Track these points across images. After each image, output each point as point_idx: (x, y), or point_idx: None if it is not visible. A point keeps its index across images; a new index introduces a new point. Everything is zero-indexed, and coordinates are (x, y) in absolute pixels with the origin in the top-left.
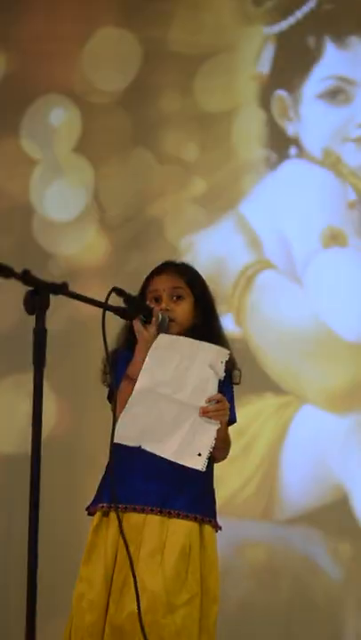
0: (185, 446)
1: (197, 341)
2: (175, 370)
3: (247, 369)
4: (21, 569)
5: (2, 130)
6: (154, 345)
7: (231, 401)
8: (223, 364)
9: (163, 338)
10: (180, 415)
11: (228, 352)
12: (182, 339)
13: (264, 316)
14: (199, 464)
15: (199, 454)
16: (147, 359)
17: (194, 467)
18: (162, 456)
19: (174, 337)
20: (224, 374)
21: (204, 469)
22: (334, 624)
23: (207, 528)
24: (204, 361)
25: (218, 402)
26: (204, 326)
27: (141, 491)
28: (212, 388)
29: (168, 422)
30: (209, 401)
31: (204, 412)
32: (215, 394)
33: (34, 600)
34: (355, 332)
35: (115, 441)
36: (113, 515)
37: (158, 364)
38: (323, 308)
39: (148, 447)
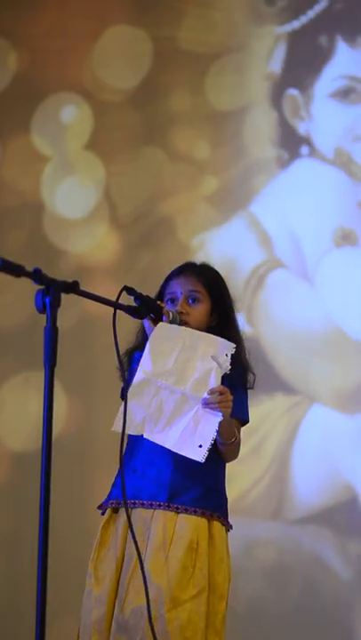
0: (186, 437)
1: (199, 332)
2: (176, 360)
3: (258, 369)
4: (32, 566)
5: (13, 127)
6: (152, 334)
7: (244, 402)
8: (229, 356)
9: (162, 328)
10: (182, 406)
11: (235, 345)
12: (182, 328)
13: (275, 316)
14: (199, 455)
15: (200, 445)
16: (146, 349)
17: (194, 457)
18: (162, 445)
19: (175, 327)
20: (229, 367)
21: (203, 461)
22: (344, 624)
23: (216, 524)
24: (207, 352)
25: (221, 394)
26: (220, 330)
27: (150, 487)
28: (215, 380)
29: (169, 412)
30: (212, 393)
31: (207, 403)
32: (218, 385)
33: (44, 597)
34: None
35: (113, 429)
36: (122, 511)
37: (158, 354)
38: (333, 307)
39: (150, 436)
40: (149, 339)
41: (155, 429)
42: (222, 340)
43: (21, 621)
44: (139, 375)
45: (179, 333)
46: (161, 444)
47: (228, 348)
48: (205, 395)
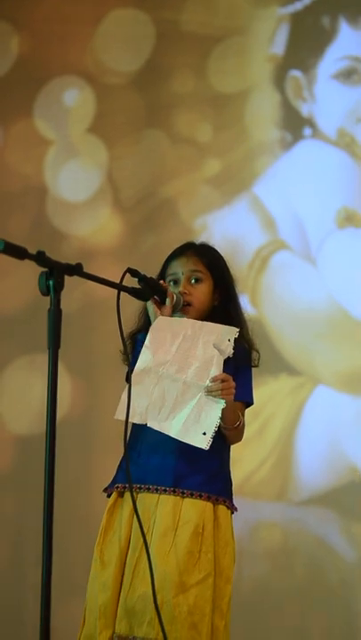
0: (190, 425)
1: (199, 322)
2: (176, 351)
3: (262, 350)
4: (36, 550)
5: (16, 111)
6: (152, 327)
7: (248, 382)
8: (231, 341)
9: (161, 321)
10: (185, 394)
11: (238, 330)
12: (183, 320)
13: (279, 297)
14: (204, 443)
15: (204, 433)
16: (146, 341)
17: (198, 445)
18: (167, 434)
19: (175, 319)
20: (232, 351)
21: (208, 448)
22: (348, 605)
23: (221, 508)
24: (208, 341)
25: (223, 381)
26: (223, 309)
27: (155, 471)
28: (217, 367)
29: (172, 401)
30: (214, 380)
31: (209, 391)
32: (220, 373)
33: (49, 581)
34: None
35: (115, 417)
36: (128, 495)
37: (158, 345)
38: (337, 288)
39: (153, 425)
40: (150, 331)
41: (158, 418)
42: (223, 326)
43: (26, 606)
44: (141, 362)
45: (180, 325)
46: (165, 432)
47: (230, 332)
48: (208, 382)
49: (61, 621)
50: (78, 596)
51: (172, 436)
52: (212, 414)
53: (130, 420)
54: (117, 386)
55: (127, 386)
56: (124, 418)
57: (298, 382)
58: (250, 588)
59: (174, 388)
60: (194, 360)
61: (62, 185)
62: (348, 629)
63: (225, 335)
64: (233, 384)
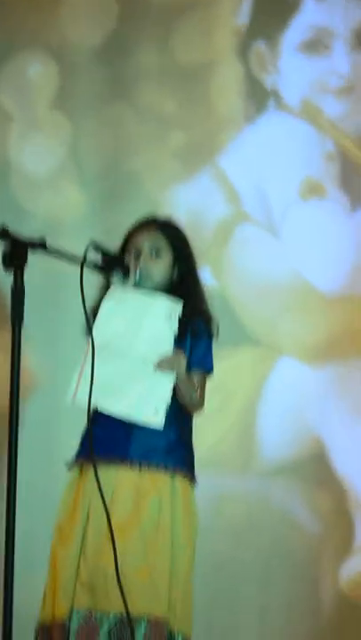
0: (141, 403)
1: (150, 294)
2: (128, 324)
3: (224, 322)
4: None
5: None
6: (106, 298)
7: (207, 352)
8: (176, 317)
9: (115, 290)
10: (135, 371)
11: (181, 305)
12: (135, 292)
13: (242, 269)
14: (156, 421)
15: (156, 410)
16: (99, 314)
17: (151, 423)
18: (117, 416)
19: (127, 291)
20: (177, 326)
21: (162, 426)
22: (312, 577)
23: (179, 480)
24: (158, 314)
25: (171, 355)
26: (182, 284)
27: (113, 444)
28: (167, 341)
29: (122, 378)
30: (162, 356)
31: (158, 366)
32: (168, 351)
33: (12, 555)
34: (332, 284)
35: (67, 401)
36: (88, 469)
37: (111, 318)
38: (301, 260)
39: (104, 408)
40: (102, 302)
41: (108, 400)
42: (171, 301)
43: None
44: (95, 336)
45: (131, 296)
46: (116, 414)
47: (175, 309)
48: (156, 357)
49: (24, 598)
50: (41, 569)
51: (124, 416)
52: (163, 390)
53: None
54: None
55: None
56: (75, 401)
57: (260, 354)
58: (213, 563)
59: (125, 365)
60: (145, 334)
61: (25, 160)
62: (312, 603)
63: (172, 310)
64: (182, 357)
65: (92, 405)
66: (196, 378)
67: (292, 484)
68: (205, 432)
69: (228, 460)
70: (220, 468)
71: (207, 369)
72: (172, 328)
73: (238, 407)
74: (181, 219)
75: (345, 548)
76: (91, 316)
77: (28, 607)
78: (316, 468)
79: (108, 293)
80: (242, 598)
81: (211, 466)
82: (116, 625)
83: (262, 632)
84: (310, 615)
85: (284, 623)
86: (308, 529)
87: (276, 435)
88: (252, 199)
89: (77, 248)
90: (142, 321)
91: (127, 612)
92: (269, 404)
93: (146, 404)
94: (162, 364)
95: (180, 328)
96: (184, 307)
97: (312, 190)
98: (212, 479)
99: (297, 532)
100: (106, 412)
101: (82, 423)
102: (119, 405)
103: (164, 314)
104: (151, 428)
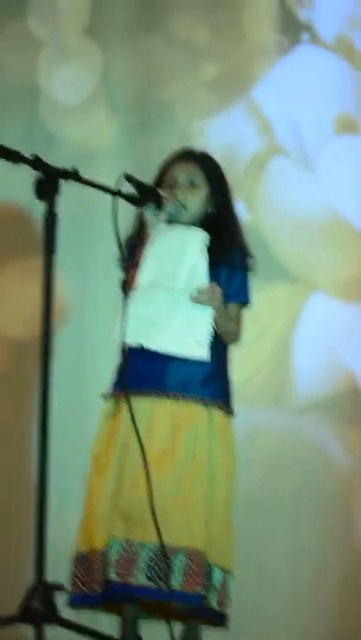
0: (182, 336)
1: (186, 229)
2: (171, 260)
3: (258, 257)
4: (32, 455)
5: (8, 10)
6: (152, 238)
7: (243, 284)
8: (205, 249)
9: (159, 230)
10: (175, 304)
11: (209, 237)
12: (174, 229)
13: (276, 204)
14: (201, 352)
15: (198, 341)
16: (146, 252)
17: (196, 356)
18: (163, 352)
19: (168, 228)
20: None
21: (207, 357)
22: (343, 512)
23: (216, 411)
24: (194, 248)
25: (208, 289)
26: (218, 216)
27: (150, 376)
28: (203, 273)
29: (164, 313)
30: (198, 290)
31: (195, 300)
32: (204, 282)
33: (45, 485)
34: None
35: (113, 339)
36: (124, 400)
37: (157, 255)
38: (335, 196)
39: (149, 344)
40: (150, 241)
41: (151, 336)
42: (201, 232)
43: (23, 510)
44: (141, 278)
45: (172, 232)
46: (160, 349)
47: (204, 240)
48: (194, 292)
49: (58, 529)
50: (74, 501)
51: (168, 352)
52: (203, 322)
53: (125, 339)
54: (113, 291)
55: (122, 304)
56: (128, 340)
57: (294, 289)
58: (244, 495)
59: (166, 299)
60: (184, 268)
61: (56, 88)
62: (343, 535)
63: (203, 241)
64: (217, 289)
65: (137, 343)
66: (232, 310)
67: (325, 419)
68: (240, 365)
69: (262, 393)
70: (254, 401)
71: (244, 301)
72: (205, 260)
73: (272, 342)
74: (214, 151)
75: None
76: (124, 247)
77: (62, 541)
78: (349, 404)
79: (151, 237)
80: (274, 532)
81: (244, 399)
82: (154, 555)
83: (294, 567)
84: (342, 551)
85: (315, 558)
86: (341, 464)
87: (310, 370)
88: (286, 133)
89: (108, 178)
90: (182, 256)
91: (162, 545)
92: (303, 340)
93: (188, 337)
94: (198, 297)
95: (217, 260)
96: (221, 239)
97: (346, 126)
98: (245, 412)
99: (329, 467)
100: (151, 349)
101: (113, 353)
102: (163, 341)
103: (198, 247)
104: (196, 359)
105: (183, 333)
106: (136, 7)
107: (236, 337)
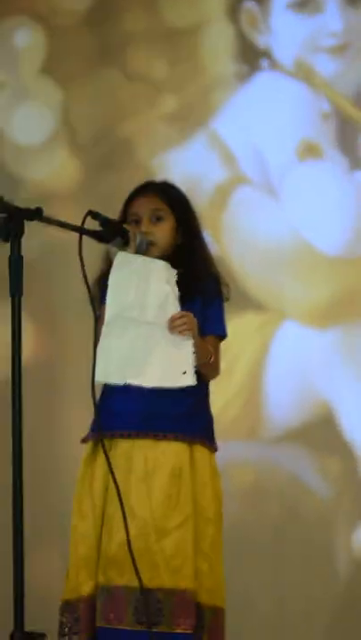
0: (167, 369)
1: (149, 259)
2: (136, 290)
3: None
4: (6, 499)
5: None
6: (114, 266)
7: (219, 315)
8: (174, 282)
9: (120, 256)
10: (151, 337)
11: (176, 272)
12: (137, 257)
13: (242, 233)
14: (188, 381)
15: (184, 372)
16: (109, 283)
17: (184, 385)
18: (149, 387)
19: (130, 255)
20: (178, 292)
21: (196, 383)
22: (324, 542)
23: (198, 448)
24: (160, 278)
25: (180, 317)
26: (188, 247)
27: (128, 416)
28: (173, 304)
29: (141, 347)
30: (171, 320)
31: (172, 329)
32: (176, 310)
33: (21, 529)
34: (334, 245)
35: (96, 380)
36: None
37: (121, 286)
38: (301, 222)
39: (133, 381)
40: (112, 269)
41: (135, 372)
42: (167, 264)
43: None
44: (108, 307)
45: (134, 262)
46: (146, 385)
47: (171, 273)
48: (166, 323)
49: (35, 570)
50: (50, 544)
51: (155, 386)
52: (185, 351)
53: (105, 380)
54: (83, 332)
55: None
56: (107, 380)
57: (264, 318)
58: (223, 530)
59: (140, 332)
60: (152, 299)
61: (16, 128)
62: (326, 565)
63: (171, 273)
64: (192, 317)
65: (120, 381)
66: (210, 342)
67: (301, 449)
68: (212, 398)
69: (236, 425)
70: (228, 433)
71: (219, 333)
72: (174, 291)
73: (244, 373)
74: (178, 184)
75: (357, 513)
76: (97, 286)
77: (40, 584)
78: (324, 431)
79: (113, 265)
80: (255, 563)
81: (217, 431)
82: (143, 599)
83: (279, 603)
84: (325, 580)
85: (298, 587)
86: (319, 493)
87: (284, 400)
88: (249, 161)
89: (73, 217)
90: (148, 287)
91: (142, 588)
92: (276, 369)
93: (174, 369)
94: (175, 325)
95: (191, 292)
96: (193, 270)
97: (309, 151)
98: (219, 445)
99: (308, 497)
100: (135, 386)
101: (86, 396)
102: (148, 377)
103: (164, 276)
104: (185, 387)
105: (167, 366)
106: (92, 44)
107: (215, 371)
